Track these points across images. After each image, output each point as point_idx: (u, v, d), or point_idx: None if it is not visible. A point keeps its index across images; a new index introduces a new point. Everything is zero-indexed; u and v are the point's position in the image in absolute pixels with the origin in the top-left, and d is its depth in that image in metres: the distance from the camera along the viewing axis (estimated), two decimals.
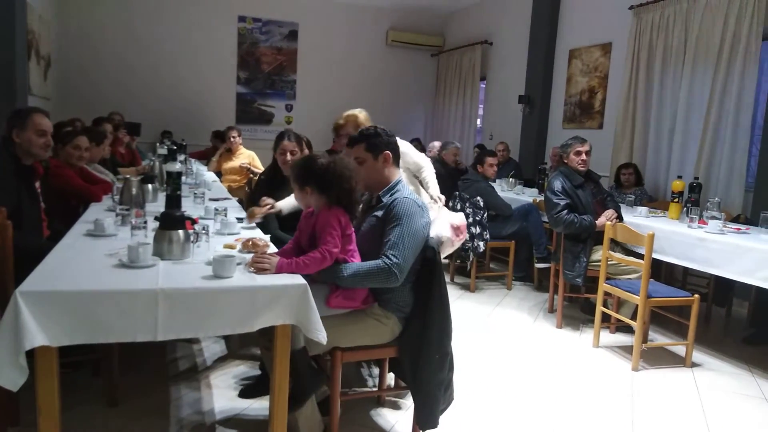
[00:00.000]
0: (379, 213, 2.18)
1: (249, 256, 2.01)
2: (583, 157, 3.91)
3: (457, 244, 2.72)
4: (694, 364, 3.36)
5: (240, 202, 4.03)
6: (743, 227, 3.68)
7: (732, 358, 3.51)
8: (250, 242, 2.24)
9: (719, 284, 4.15)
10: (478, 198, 4.61)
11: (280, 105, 9.00)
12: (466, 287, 4.84)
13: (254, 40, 8.72)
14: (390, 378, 2.70)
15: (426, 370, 2.15)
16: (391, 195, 2.22)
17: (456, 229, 2.74)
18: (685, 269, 4.47)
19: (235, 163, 6.14)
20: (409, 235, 2.08)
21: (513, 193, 5.57)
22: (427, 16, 9.46)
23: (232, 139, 6.17)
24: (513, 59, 7.79)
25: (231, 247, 2.25)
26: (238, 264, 1.90)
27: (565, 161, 3.99)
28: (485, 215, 4.60)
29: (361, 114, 3.19)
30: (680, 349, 3.51)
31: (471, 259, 4.63)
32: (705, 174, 4.89)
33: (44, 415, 1.59)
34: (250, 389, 2.65)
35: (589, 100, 6.58)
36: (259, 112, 8.90)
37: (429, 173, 3.39)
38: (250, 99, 8.84)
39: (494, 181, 5.32)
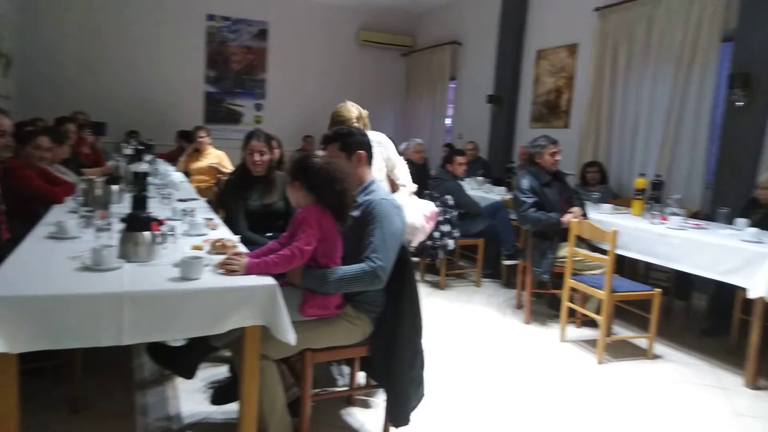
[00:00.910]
0: (355, 213, 2.18)
1: (218, 258, 1.99)
2: (557, 157, 4.00)
3: (428, 231, 2.73)
4: (655, 356, 3.47)
5: (209, 202, 3.97)
6: (702, 223, 3.81)
7: (691, 350, 3.63)
8: (220, 243, 2.22)
9: (679, 278, 4.29)
10: (448, 196, 4.66)
11: (250, 104, 8.91)
12: (435, 285, 4.89)
13: (223, 38, 8.61)
14: (360, 377, 2.71)
15: (397, 368, 2.16)
16: (365, 195, 2.23)
17: (427, 218, 2.76)
18: (648, 264, 4.59)
19: (203, 163, 6.03)
20: (390, 237, 2.10)
21: (481, 192, 5.62)
22: (397, 16, 9.49)
23: (200, 139, 6.04)
24: (482, 59, 7.88)
25: (199, 248, 2.23)
26: (206, 265, 1.88)
27: (538, 161, 4.05)
28: (455, 214, 4.64)
29: (354, 110, 3.10)
30: (643, 342, 3.62)
31: (440, 256, 4.67)
32: (666, 171, 5.03)
33: (3, 424, 1.55)
34: (221, 394, 2.59)
35: (556, 100, 6.70)
36: (228, 112, 8.79)
37: (400, 169, 3.41)
38: (219, 98, 8.72)
39: (463, 180, 5.38)
